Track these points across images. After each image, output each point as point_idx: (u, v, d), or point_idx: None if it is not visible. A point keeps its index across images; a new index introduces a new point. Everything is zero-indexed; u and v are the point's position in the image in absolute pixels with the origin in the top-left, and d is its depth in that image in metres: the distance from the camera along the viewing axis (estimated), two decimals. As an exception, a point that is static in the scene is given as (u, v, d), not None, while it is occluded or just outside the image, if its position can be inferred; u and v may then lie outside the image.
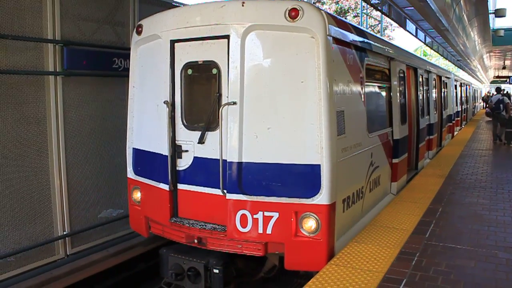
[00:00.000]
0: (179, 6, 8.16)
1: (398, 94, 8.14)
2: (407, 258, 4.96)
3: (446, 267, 4.74)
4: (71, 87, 6.97)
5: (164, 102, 5.63)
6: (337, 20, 5.52)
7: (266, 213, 5.10)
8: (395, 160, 8.02)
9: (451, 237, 5.73)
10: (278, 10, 4.95)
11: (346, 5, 39.73)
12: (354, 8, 38.76)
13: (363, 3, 20.26)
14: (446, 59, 34.74)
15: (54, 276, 6.26)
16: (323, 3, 39.61)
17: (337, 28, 5.29)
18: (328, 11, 37.71)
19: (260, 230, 5.13)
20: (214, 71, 5.37)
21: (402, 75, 8.64)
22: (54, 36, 6.64)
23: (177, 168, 5.73)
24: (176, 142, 5.72)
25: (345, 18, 38.51)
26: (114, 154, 7.60)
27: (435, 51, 29.31)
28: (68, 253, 6.93)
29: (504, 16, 16.43)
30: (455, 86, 19.21)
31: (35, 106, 6.53)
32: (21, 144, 6.35)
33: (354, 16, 38.34)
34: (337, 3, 40.16)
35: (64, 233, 6.88)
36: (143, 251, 7.40)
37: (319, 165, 4.94)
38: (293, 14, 4.87)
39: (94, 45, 7.28)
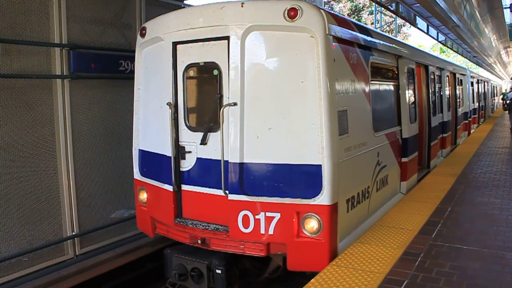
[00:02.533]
0: (184, 7, 8.20)
1: (406, 92, 8.03)
2: (410, 259, 4.89)
3: (450, 268, 4.65)
4: (78, 90, 7.08)
5: (167, 104, 5.68)
6: (338, 18, 5.48)
7: (268, 214, 5.10)
8: (404, 159, 7.91)
9: (458, 237, 5.62)
10: (277, 10, 4.93)
11: (360, 3, 39.41)
12: (369, 6, 38.42)
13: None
14: (462, 55, 34.15)
15: (62, 276, 6.36)
16: (338, 2, 39.37)
17: (338, 27, 5.24)
18: (343, 9, 37.53)
19: (262, 231, 5.12)
20: (215, 72, 5.39)
21: (411, 73, 8.52)
22: (61, 40, 6.75)
23: (181, 169, 5.77)
24: (180, 143, 5.75)
25: (360, 16, 38.26)
26: (122, 156, 7.68)
27: (449, 48, 28.81)
28: (77, 253, 7.04)
29: (520, 10, 16.08)
30: (471, 83, 18.86)
31: (44, 109, 6.65)
32: (30, 146, 6.48)
33: (369, 14, 37.99)
34: (352, 1, 39.87)
35: (73, 233, 6.99)
36: (150, 251, 7.47)
37: (320, 165, 4.91)
38: (292, 14, 4.85)
39: (101, 48, 7.38)
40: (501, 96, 44.33)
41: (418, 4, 12.47)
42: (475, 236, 5.69)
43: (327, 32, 4.88)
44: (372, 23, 30.69)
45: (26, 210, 6.42)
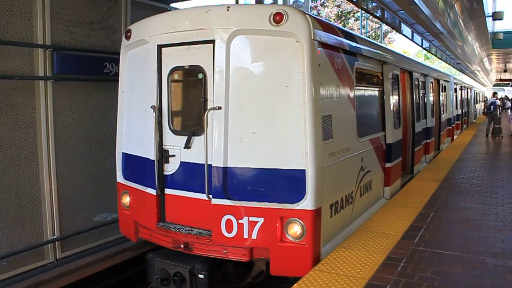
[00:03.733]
0: (170, 10, 8.16)
1: (391, 98, 8.09)
2: (393, 264, 4.92)
3: (431, 273, 4.69)
4: (62, 92, 6.99)
5: (151, 107, 5.64)
6: (324, 24, 5.50)
7: (252, 218, 5.08)
8: (388, 165, 7.97)
9: (440, 242, 5.68)
10: (263, 15, 4.93)
11: (347, 9, 39.71)
12: (356, 12, 38.72)
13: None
14: (446, 62, 34.65)
15: (42, 280, 6.25)
16: (325, 6, 39.61)
17: (323, 32, 5.26)
18: (330, 14, 37.74)
19: (246, 235, 5.10)
20: (200, 76, 5.36)
21: (395, 78, 8.60)
22: (45, 41, 6.66)
23: (164, 173, 5.72)
24: (163, 147, 5.71)
25: (347, 21, 38.54)
26: (105, 159, 7.58)
27: (433, 54, 29.23)
28: (57, 257, 6.93)
29: (502, 19, 16.40)
30: (455, 89, 19.13)
31: (26, 110, 6.55)
32: (12, 148, 6.37)
33: (355, 20, 38.31)
34: (338, 6, 40.16)
35: (54, 237, 6.88)
36: (133, 255, 7.38)
37: (303, 170, 4.91)
38: (278, 18, 4.86)
39: (85, 50, 7.29)
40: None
41: (403, 11, 12.66)
42: (457, 241, 5.76)
43: (312, 37, 4.90)
44: (358, 29, 30.95)
45: (6, 213, 6.30)
